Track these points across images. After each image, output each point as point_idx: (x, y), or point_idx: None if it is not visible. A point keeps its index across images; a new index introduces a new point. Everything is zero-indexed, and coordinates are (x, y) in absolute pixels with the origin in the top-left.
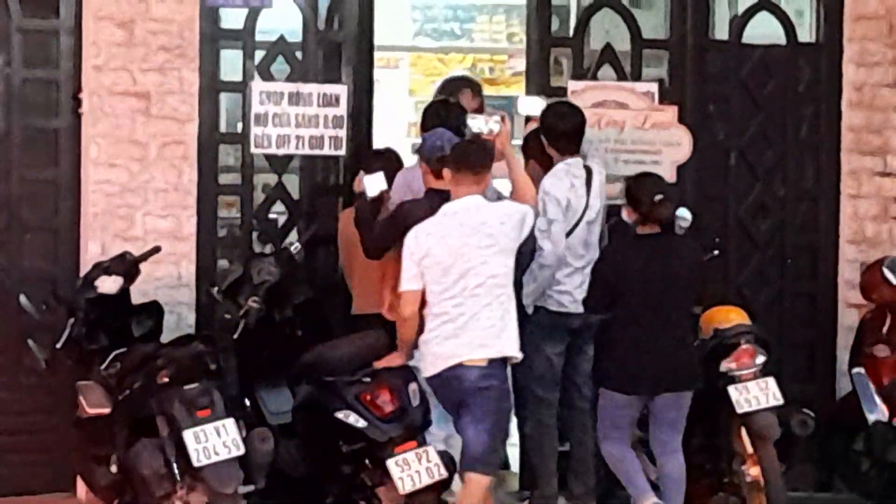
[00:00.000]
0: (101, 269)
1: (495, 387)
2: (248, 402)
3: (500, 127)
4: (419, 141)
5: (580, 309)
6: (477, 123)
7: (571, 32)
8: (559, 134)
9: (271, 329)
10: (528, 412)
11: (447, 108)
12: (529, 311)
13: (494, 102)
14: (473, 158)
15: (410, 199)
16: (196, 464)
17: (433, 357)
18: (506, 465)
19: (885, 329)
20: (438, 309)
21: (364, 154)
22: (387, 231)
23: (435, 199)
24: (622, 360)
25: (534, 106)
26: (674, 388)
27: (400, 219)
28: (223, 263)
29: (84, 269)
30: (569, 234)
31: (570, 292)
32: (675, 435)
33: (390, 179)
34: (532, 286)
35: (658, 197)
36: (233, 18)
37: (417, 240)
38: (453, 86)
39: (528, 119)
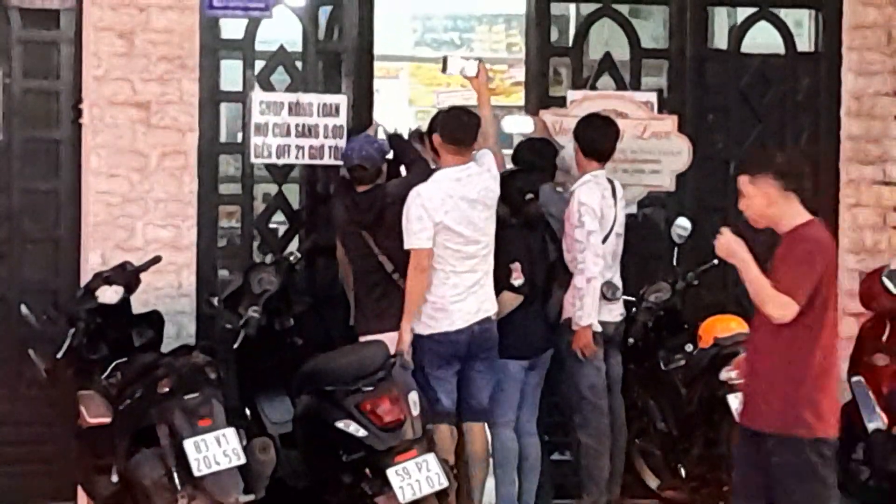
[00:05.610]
0: (102, 279)
1: (497, 341)
2: (248, 412)
3: (477, 69)
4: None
5: (615, 318)
6: (456, 64)
7: (571, 42)
8: (598, 147)
9: (271, 339)
10: (583, 420)
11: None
12: (598, 328)
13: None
14: (466, 132)
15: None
16: (197, 473)
17: (460, 313)
18: None
19: (884, 338)
20: (455, 268)
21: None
22: None
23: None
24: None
25: (521, 125)
26: None
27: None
28: (223, 273)
29: (84, 279)
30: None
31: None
32: None
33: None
34: (587, 301)
35: (528, 196)
36: (233, 29)
37: (431, 202)
38: None
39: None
